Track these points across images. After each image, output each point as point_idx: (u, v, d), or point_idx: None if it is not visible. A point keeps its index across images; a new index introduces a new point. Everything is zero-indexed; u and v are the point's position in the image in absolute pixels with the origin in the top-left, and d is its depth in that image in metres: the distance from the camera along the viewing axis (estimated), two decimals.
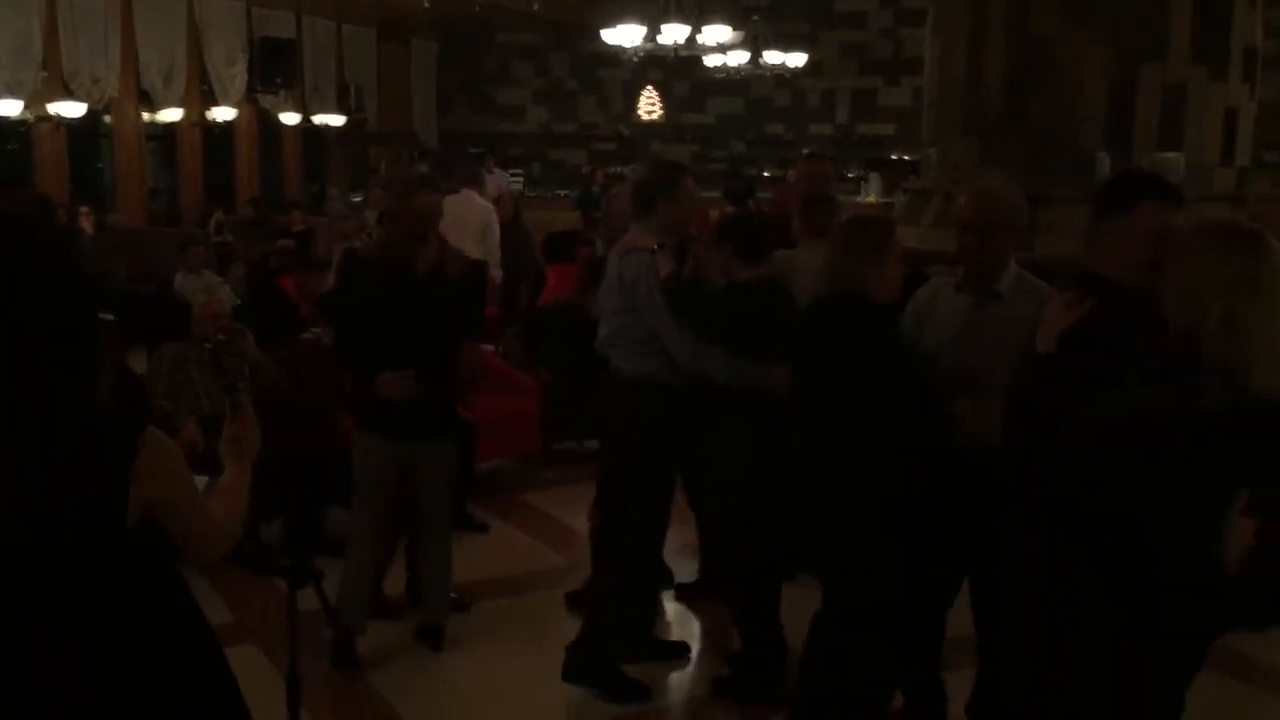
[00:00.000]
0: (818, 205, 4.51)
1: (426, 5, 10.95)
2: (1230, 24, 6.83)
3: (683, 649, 4.44)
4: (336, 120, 17.18)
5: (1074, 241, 6.82)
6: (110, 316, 4.17)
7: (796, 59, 16.84)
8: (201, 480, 2.23)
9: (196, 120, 15.27)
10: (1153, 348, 2.38)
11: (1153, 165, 6.70)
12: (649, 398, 3.91)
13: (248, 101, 15.87)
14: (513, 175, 17.60)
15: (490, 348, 7.57)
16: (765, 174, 17.92)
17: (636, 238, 3.95)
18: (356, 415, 4.37)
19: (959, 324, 3.37)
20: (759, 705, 3.80)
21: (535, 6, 11.33)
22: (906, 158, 15.52)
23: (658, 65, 17.86)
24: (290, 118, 16.58)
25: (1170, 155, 6.73)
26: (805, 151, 6.83)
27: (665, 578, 4.79)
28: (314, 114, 16.89)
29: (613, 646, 4.06)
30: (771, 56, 16.55)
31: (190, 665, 2.05)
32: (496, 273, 7.66)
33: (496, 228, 7.90)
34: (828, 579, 3.44)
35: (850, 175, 16.32)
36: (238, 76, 15.50)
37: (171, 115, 14.67)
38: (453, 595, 4.63)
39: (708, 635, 4.61)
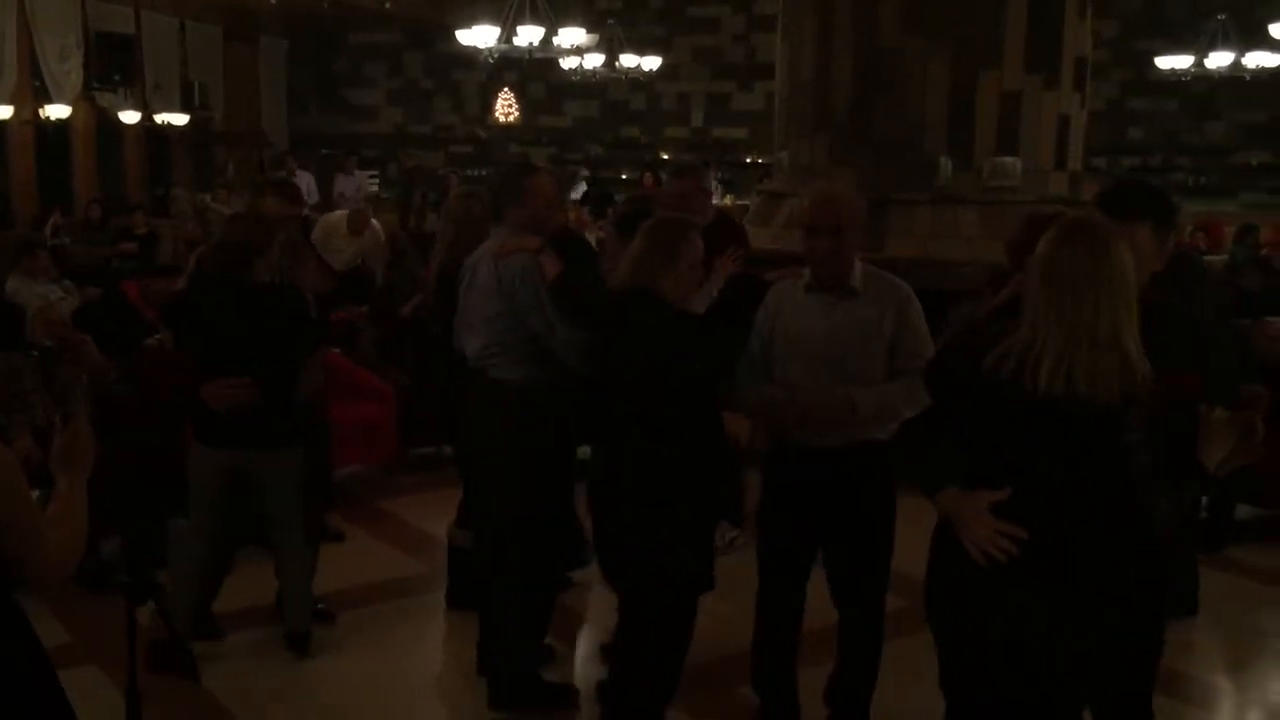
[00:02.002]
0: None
1: (273, 2, 10.64)
2: (1061, 35, 7.15)
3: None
4: (180, 119, 16.60)
5: (920, 242, 7.12)
6: None
7: (652, 62, 17.00)
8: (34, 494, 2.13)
9: (29, 118, 14.57)
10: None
11: (992, 169, 7.01)
12: (538, 404, 3.78)
13: (84, 99, 15.22)
14: (371, 176, 17.30)
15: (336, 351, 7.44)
16: (623, 176, 18.04)
17: (508, 241, 3.85)
18: (190, 423, 4.21)
19: (819, 322, 3.45)
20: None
21: (387, 5, 11.13)
22: (760, 160, 15.84)
23: (514, 67, 17.79)
24: (130, 116, 15.95)
25: (1008, 160, 7.03)
26: (674, 167, 6.77)
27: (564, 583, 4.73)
28: (156, 113, 16.29)
29: (528, 661, 3.97)
30: (627, 60, 16.67)
31: (18, 695, 1.94)
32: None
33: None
34: (621, 577, 3.51)
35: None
36: (73, 72, 14.84)
37: (1, 112, 13.97)
38: (319, 606, 4.53)
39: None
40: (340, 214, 9.46)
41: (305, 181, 13.22)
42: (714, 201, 6.86)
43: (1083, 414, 2.30)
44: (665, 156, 18.84)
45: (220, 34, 17.82)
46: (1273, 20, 13.59)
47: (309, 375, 4.37)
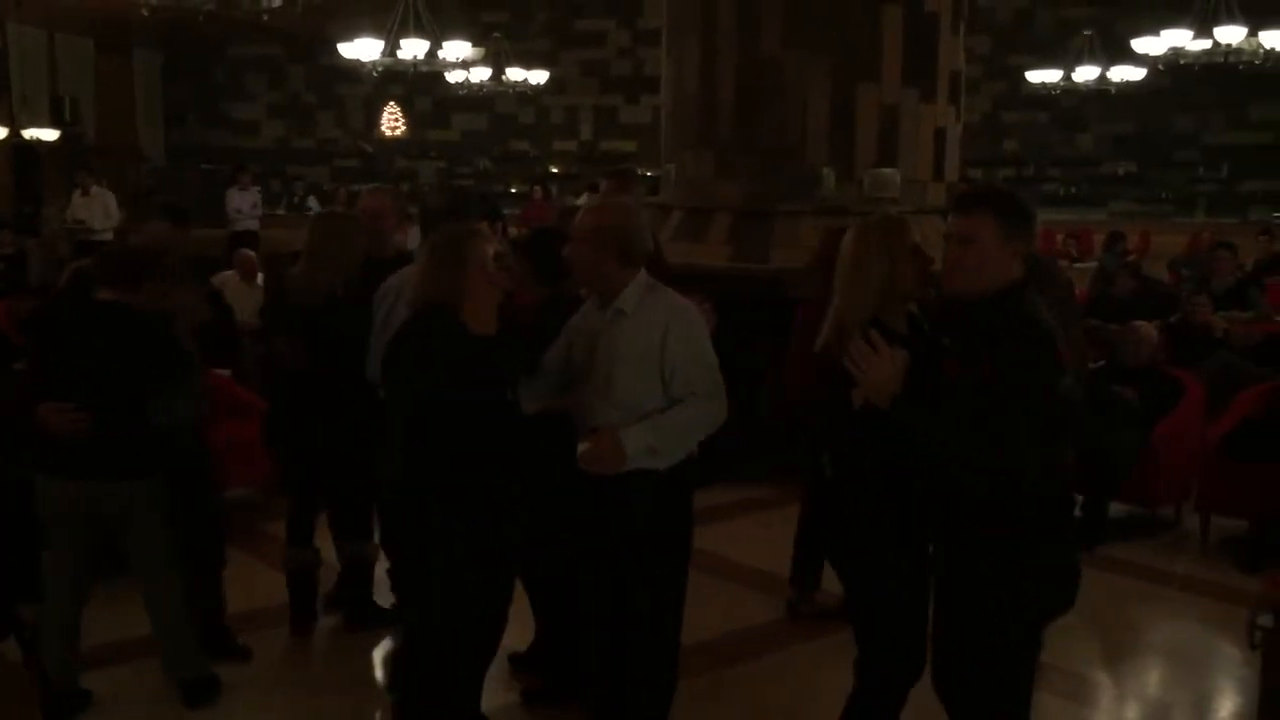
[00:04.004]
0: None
1: (145, 14, 10.34)
2: (936, 50, 7.35)
3: None
4: (50, 135, 16.03)
5: (805, 252, 7.21)
6: None
7: (539, 76, 16.98)
8: None
9: None
10: None
11: (872, 181, 7.15)
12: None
13: None
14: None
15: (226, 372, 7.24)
16: (512, 190, 17.97)
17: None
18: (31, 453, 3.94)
19: (593, 343, 3.31)
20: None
21: (264, 18, 10.90)
22: (649, 173, 15.89)
23: (399, 81, 17.60)
24: None
25: (887, 171, 7.19)
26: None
27: None
28: (24, 128, 15.70)
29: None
30: (514, 73, 16.62)
31: None
32: None
33: None
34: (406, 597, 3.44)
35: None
36: None
37: None
38: (240, 643, 4.39)
39: None
40: (225, 274, 9.16)
41: (103, 200, 12.62)
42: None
43: None
44: (554, 170, 18.84)
45: (92, 47, 17.30)
46: (1135, 36, 14.16)
47: (184, 404, 4.18)
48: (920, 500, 2.87)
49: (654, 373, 3.21)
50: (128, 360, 3.82)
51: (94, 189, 13.01)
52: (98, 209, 12.86)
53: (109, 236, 11.93)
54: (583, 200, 8.45)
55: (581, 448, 3.19)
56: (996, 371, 2.65)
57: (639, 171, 6.63)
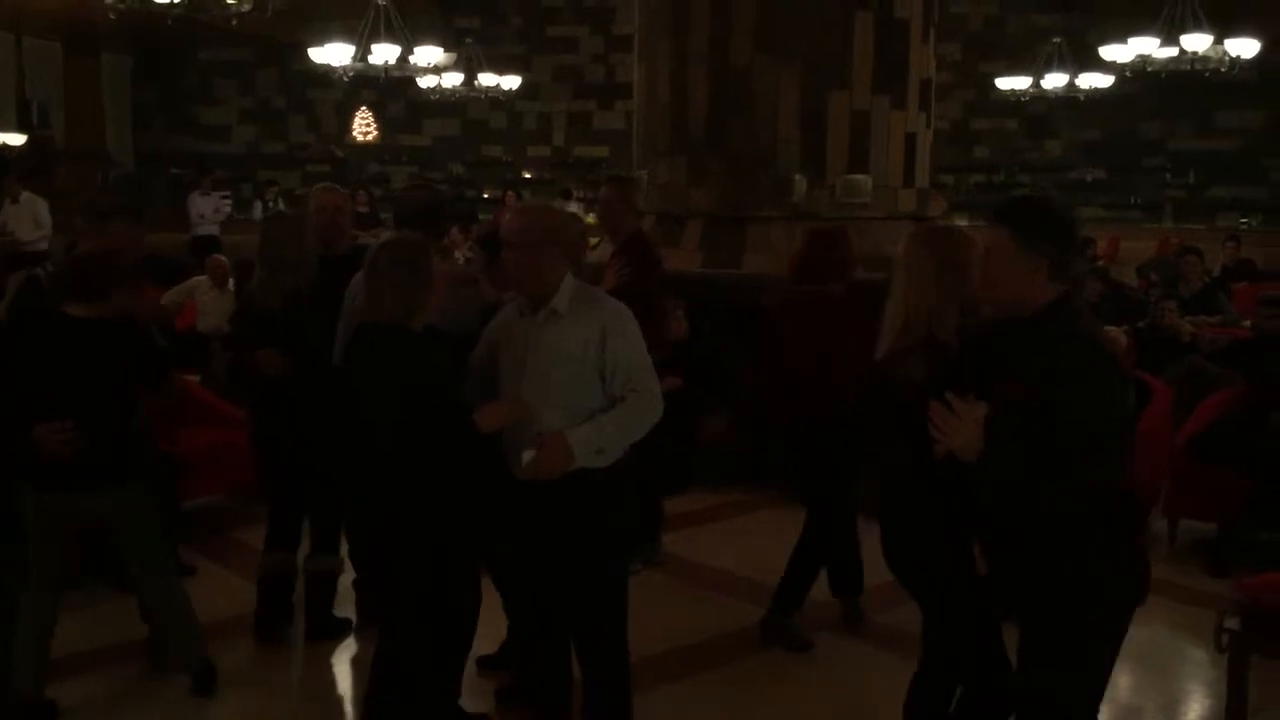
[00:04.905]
0: None
1: (112, 17, 10.27)
2: (907, 57, 7.39)
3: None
4: (17, 139, 15.88)
5: (777, 258, 7.23)
6: None
7: (511, 82, 16.96)
8: None
9: None
10: None
11: (844, 186, 7.18)
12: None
13: None
14: (223, 197, 16.80)
15: (195, 378, 7.19)
16: (485, 195, 17.94)
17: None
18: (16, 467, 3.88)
19: (527, 346, 3.29)
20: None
21: (234, 22, 10.85)
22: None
23: (371, 85, 17.54)
24: None
25: (859, 177, 7.21)
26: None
27: None
28: None
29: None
30: (486, 79, 16.60)
31: None
32: None
33: None
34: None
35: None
36: None
37: None
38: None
39: None
40: (196, 279, 9.08)
41: (32, 208, 12.19)
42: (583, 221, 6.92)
43: None
44: (527, 175, 18.82)
45: (60, 50, 17.13)
46: (1103, 43, 14.30)
47: (154, 399, 4.19)
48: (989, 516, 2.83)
49: (593, 373, 3.22)
50: (111, 375, 3.82)
51: (24, 196, 12.15)
52: (26, 218, 12.01)
53: (43, 246, 11.76)
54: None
55: (527, 455, 3.15)
56: (1059, 401, 2.57)
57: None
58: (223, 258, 9.14)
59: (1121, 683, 4.65)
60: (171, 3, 10.05)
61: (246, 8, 10.34)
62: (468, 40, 17.23)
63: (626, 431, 3.25)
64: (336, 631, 4.71)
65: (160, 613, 4.15)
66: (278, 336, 4.35)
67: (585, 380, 3.22)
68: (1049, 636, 2.74)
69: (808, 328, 4.51)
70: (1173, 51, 13.40)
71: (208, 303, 8.69)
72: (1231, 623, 3.61)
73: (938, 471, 2.77)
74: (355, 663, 4.57)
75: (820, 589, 4.83)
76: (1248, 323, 8.49)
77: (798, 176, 7.11)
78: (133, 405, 3.96)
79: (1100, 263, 12.06)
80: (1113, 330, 6.68)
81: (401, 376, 3.21)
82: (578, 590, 3.33)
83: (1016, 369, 2.66)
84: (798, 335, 4.56)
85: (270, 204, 16.31)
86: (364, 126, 19.46)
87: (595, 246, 6.26)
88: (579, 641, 3.38)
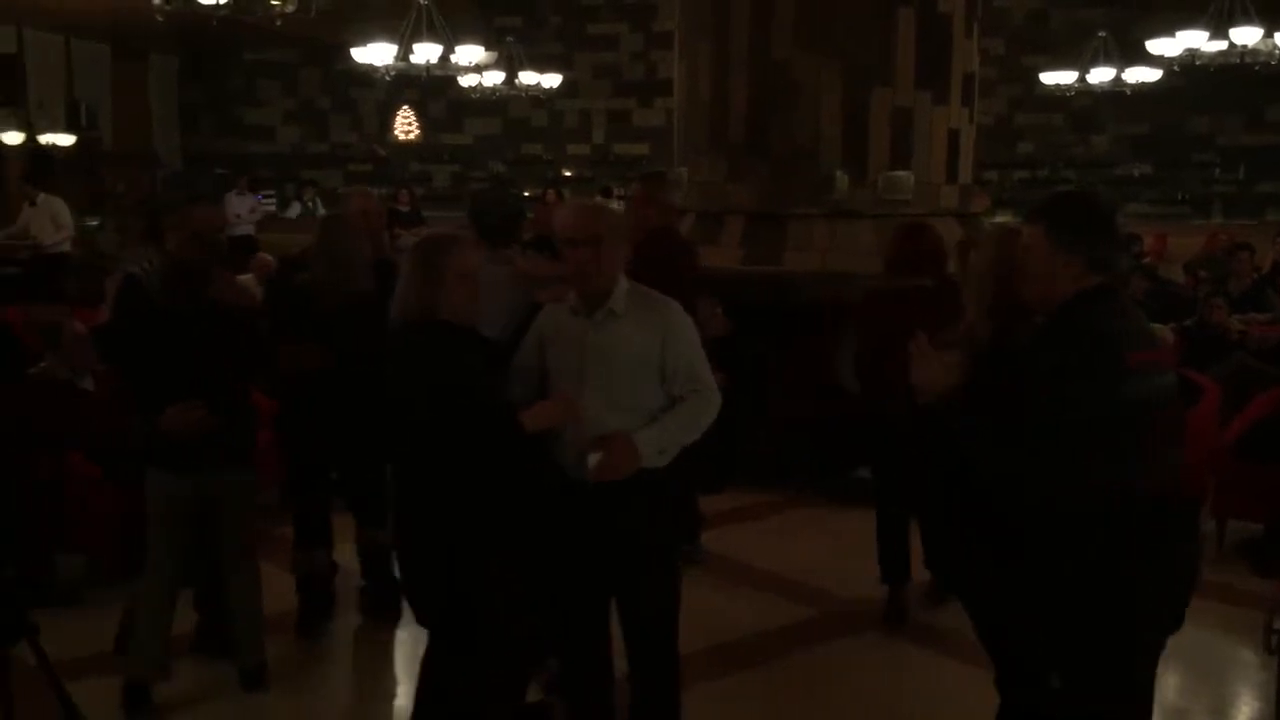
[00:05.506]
0: None
1: (159, 19, 10.40)
2: (950, 53, 7.33)
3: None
4: (66, 140, 16.13)
5: (818, 256, 7.20)
6: None
7: (552, 80, 17.00)
8: None
9: None
10: None
11: (886, 183, 7.13)
12: None
13: None
14: (265, 196, 16.99)
15: None
16: (526, 194, 17.99)
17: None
18: (143, 452, 4.05)
19: (585, 348, 3.23)
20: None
21: (278, 23, 10.95)
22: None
23: (413, 85, 17.64)
24: (13, 137, 15.45)
25: (901, 174, 7.17)
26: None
27: None
28: (40, 134, 15.79)
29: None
30: (527, 77, 16.65)
31: None
32: None
33: None
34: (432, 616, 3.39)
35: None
36: None
37: None
38: None
39: None
40: (241, 278, 9.14)
41: (50, 209, 11.90)
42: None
43: None
44: (567, 173, 18.86)
45: (108, 52, 17.39)
46: (1150, 37, 14.10)
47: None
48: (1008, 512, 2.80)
49: (654, 374, 3.21)
50: (227, 360, 3.97)
51: (40, 198, 12.14)
52: (45, 220, 12.02)
53: (65, 248, 11.87)
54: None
55: (594, 458, 3.12)
56: (1023, 379, 2.62)
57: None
58: (268, 256, 9.23)
59: (1169, 684, 4.59)
60: (217, 4, 10.15)
61: (291, 8, 10.43)
62: (508, 39, 17.29)
63: (688, 431, 3.25)
64: (398, 602, 4.65)
65: (238, 600, 4.19)
66: (331, 335, 4.37)
67: (647, 381, 3.21)
68: (1062, 642, 2.70)
69: (897, 320, 4.58)
70: (1222, 45, 13.19)
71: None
72: None
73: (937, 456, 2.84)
74: (401, 658, 4.61)
75: (863, 586, 4.81)
76: None
77: (839, 173, 7.08)
78: (246, 389, 4.13)
79: (1147, 260, 11.90)
80: (1160, 328, 6.60)
81: (426, 376, 3.18)
82: (635, 588, 3.31)
83: (1028, 364, 2.66)
84: (886, 328, 4.63)
85: (308, 204, 16.47)
86: (406, 126, 19.58)
87: None
88: (632, 639, 3.35)
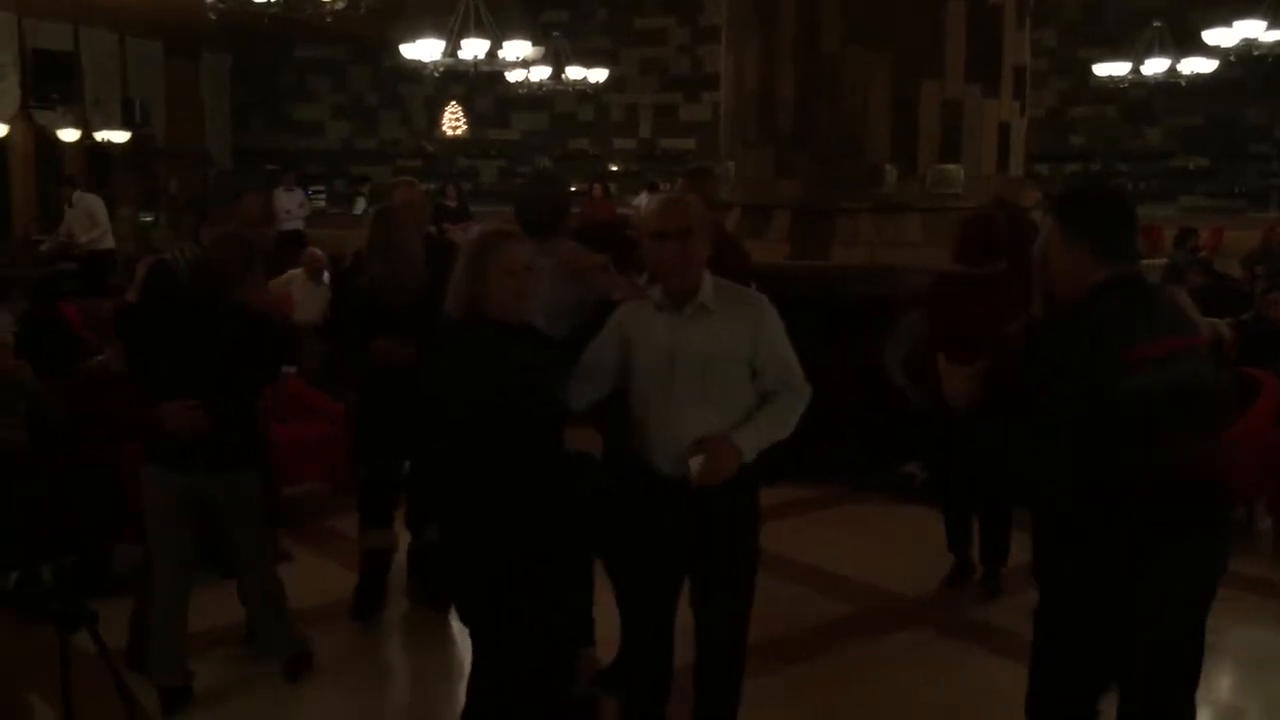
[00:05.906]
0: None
1: (212, 17, 10.54)
2: (1001, 44, 7.25)
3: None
4: (121, 137, 16.39)
5: (866, 250, 7.16)
6: None
7: (598, 74, 17.02)
8: None
9: None
10: None
11: (936, 177, 7.08)
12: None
13: (22, 117, 14.99)
14: (315, 192, 17.18)
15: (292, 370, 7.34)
16: (572, 189, 18.02)
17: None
18: (144, 444, 4.09)
19: (673, 344, 3.16)
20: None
21: (328, 20, 11.06)
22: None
23: (460, 80, 17.73)
24: (70, 134, 15.73)
25: (951, 167, 7.11)
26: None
27: None
28: (96, 130, 16.07)
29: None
30: (574, 72, 16.69)
31: None
32: None
33: None
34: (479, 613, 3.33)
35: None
36: (10, 90, 14.62)
37: None
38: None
39: None
40: (292, 272, 9.24)
41: (87, 207, 12.11)
42: None
43: None
44: (614, 168, 18.88)
45: (161, 50, 17.65)
46: (1206, 27, 13.87)
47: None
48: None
49: (744, 367, 3.16)
50: (239, 361, 3.92)
51: (75, 196, 12.33)
52: (83, 218, 12.17)
53: (107, 244, 12.05)
54: (641, 199, 8.41)
55: (695, 463, 3.05)
56: (1026, 380, 2.67)
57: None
58: (319, 251, 9.31)
59: (1223, 684, 4.53)
60: (269, 2, 10.27)
61: (341, 6, 10.53)
62: (555, 34, 17.33)
63: (782, 429, 3.20)
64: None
65: (252, 603, 4.23)
66: (399, 328, 4.37)
67: (739, 378, 3.16)
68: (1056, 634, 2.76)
69: (971, 307, 4.67)
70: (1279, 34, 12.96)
71: (304, 296, 8.86)
72: None
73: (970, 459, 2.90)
74: (451, 650, 4.64)
75: (912, 583, 4.78)
76: None
77: (888, 167, 7.04)
78: (256, 392, 4.11)
79: (1203, 254, 11.72)
80: (1216, 323, 6.49)
81: (470, 375, 3.12)
82: (718, 582, 3.28)
83: (1029, 364, 2.69)
84: (959, 314, 4.71)
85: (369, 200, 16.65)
86: (453, 121, 19.70)
87: None
88: (707, 634, 3.31)
